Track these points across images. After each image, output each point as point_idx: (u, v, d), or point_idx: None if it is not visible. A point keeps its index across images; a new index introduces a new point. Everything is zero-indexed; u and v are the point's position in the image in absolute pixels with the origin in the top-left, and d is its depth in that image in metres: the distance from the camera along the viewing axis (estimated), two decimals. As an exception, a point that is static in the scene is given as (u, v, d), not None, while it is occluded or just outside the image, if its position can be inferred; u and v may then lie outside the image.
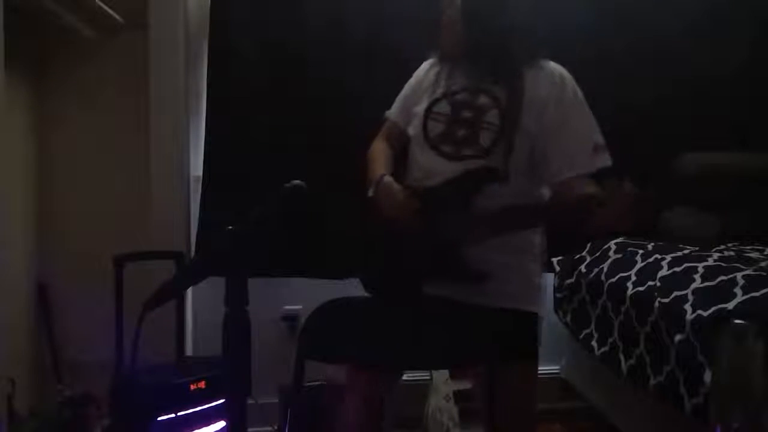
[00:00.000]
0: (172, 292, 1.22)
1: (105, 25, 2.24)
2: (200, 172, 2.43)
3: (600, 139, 1.51)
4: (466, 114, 1.54)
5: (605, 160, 1.49)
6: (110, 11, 2.16)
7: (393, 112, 1.78)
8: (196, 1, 2.44)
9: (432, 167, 1.56)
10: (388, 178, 1.60)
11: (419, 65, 1.78)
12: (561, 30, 2.51)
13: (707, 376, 1.47)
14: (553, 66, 1.57)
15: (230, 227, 1.04)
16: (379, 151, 1.74)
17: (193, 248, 2.42)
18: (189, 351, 2.29)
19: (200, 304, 2.40)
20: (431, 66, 1.71)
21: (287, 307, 2.49)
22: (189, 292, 2.37)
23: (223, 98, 2.41)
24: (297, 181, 1.12)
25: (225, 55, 2.39)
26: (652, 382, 1.74)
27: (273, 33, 2.42)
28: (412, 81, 1.76)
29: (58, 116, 2.36)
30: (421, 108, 1.63)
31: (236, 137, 2.40)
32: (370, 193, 1.62)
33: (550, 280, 2.51)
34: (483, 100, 1.54)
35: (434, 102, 1.61)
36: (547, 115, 1.50)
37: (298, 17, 2.42)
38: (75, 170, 2.38)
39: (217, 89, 2.40)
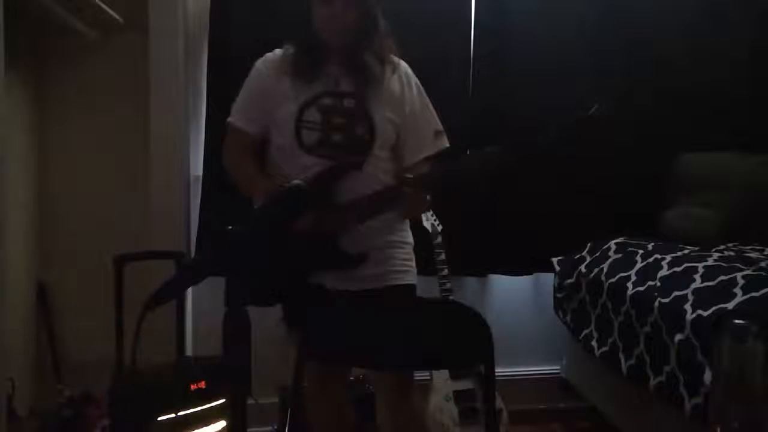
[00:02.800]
0: (172, 292, 1.22)
1: (105, 25, 2.24)
2: (200, 172, 2.43)
3: (439, 125, 1.72)
4: (338, 120, 1.61)
5: (444, 143, 1.72)
6: (110, 11, 2.16)
7: (238, 120, 1.71)
8: (196, 1, 2.44)
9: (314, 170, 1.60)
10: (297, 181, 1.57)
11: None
12: (561, 30, 2.52)
13: (707, 376, 1.47)
14: (397, 60, 1.71)
15: (230, 227, 1.04)
16: (250, 168, 1.67)
17: (193, 248, 2.42)
18: (189, 351, 2.29)
19: (200, 304, 2.40)
20: (276, 67, 1.69)
21: (287, 307, 2.48)
22: (189, 292, 2.37)
23: (223, 98, 2.40)
24: (297, 181, 1.13)
25: (225, 55, 2.39)
26: (652, 382, 1.74)
27: (273, 33, 2.41)
28: (252, 85, 1.72)
29: (58, 116, 2.36)
30: (282, 114, 1.62)
31: (236, 137, 2.40)
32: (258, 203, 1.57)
33: (550, 279, 2.51)
34: (348, 102, 1.62)
35: (301, 110, 1.61)
36: (404, 107, 1.67)
37: (297, 17, 2.41)
38: (75, 170, 2.38)
39: (217, 89, 2.40)
